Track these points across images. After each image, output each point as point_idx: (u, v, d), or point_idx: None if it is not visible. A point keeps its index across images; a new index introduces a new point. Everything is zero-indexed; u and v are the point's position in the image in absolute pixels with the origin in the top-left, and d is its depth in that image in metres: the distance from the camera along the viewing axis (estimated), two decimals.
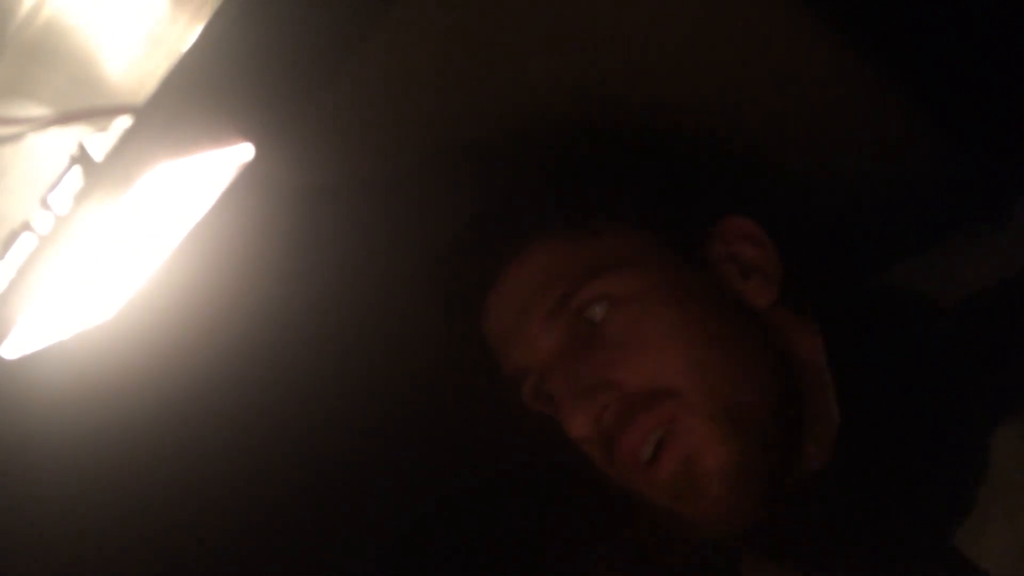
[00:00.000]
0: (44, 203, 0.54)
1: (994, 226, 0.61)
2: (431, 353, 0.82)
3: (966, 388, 0.56)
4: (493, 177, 0.65)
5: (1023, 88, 0.64)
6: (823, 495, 0.57)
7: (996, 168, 0.64)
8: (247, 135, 0.53)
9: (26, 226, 0.55)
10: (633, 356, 0.57)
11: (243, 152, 0.54)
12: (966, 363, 0.56)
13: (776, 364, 0.58)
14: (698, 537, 0.59)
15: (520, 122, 0.65)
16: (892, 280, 0.63)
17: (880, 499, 0.57)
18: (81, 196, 0.53)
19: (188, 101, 0.51)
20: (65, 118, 0.56)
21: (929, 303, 0.59)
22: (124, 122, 0.55)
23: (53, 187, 0.54)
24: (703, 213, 0.61)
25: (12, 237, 0.56)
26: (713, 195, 0.63)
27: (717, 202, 0.62)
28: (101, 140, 0.54)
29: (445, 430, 0.91)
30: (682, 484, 0.56)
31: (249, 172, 0.56)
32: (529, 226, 0.60)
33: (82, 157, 0.53)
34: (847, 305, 0.61)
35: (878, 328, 0.59)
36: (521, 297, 0.60)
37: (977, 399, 0.55)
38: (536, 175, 0.63)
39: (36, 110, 0.57)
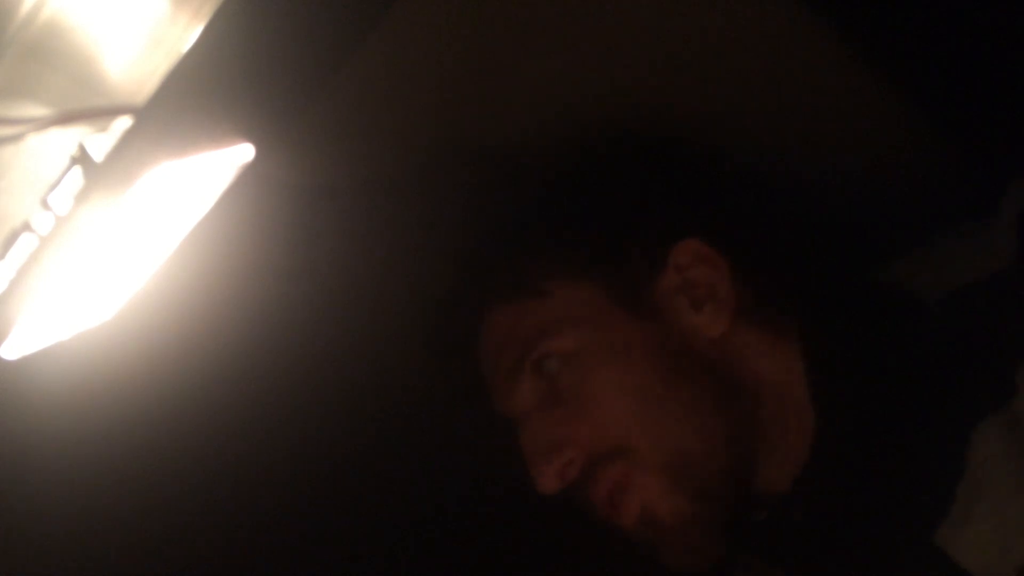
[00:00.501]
0: (44, 203, 0.54)
1: (980, 223, 0.61)
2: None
3: (946, 387, 0.56)
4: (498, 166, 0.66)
5: (1010, 85, 0.64)
6: (805, 496, 0.58)
7: (982, 165, 0.64)
8: (247, 135, 0.53)
9: (26, 226, 0.55)
10: (586, 413, 0.59)
11: (243, 152, 0.54)
12: (947, 362, 0.57)
13: (728, 397, 0.59)
14: (674, 571, 0.61)
15: (515, 123, 0.65)
16: (880, 278, 0.63)
17: (861, 498, 0.58)
18: (81, 196, 0.53)
19: (188, 101, 0.51)
20: (65, 118, 0.56)
21: (915, 302, 0.60)
22: (124, 122, 0.55)
23: (53, 187, 0.54)
24: (650, 249, 0.62)
25: (12, 237, 0.56)
26: (662, 226, 0.63)
27: (667, 231, 0.62)
28: (101, 140, 0.54)
29: (443, 431, 0.91)
30: (644, 530, 0.59)
31: (249, 172, 0.56)
32: (486, 296, 0.64)
33: (82, 157, 0.53)
34: (832, 306, 0.61)
35: (862, 328, 0.60)
36: (489, 359, 0.64)
37: (957, 398, 0.56)
38: (487, 248, 0.66)
39: (36, 110, 0.57)
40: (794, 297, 0.61)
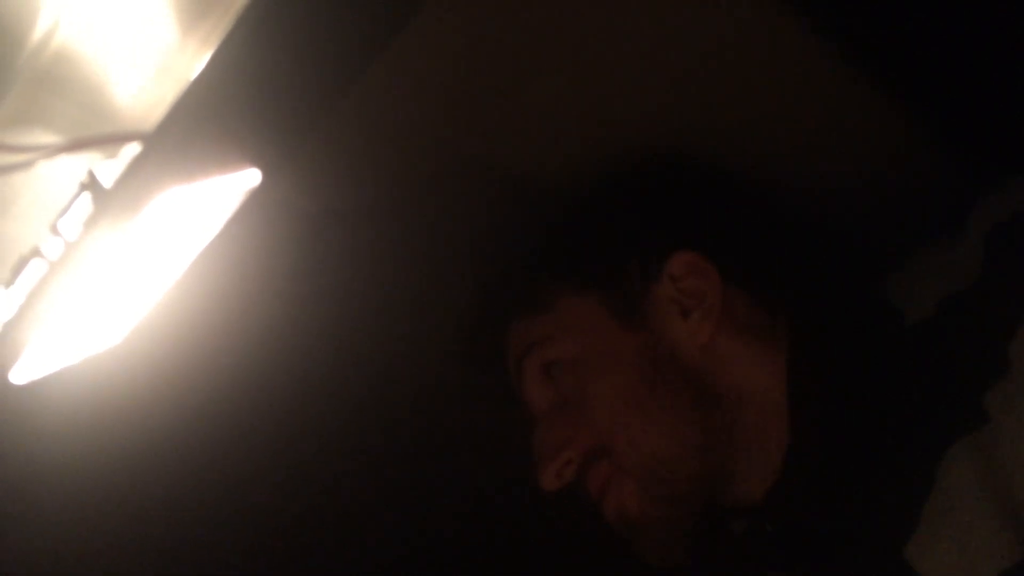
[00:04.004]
0: (54, 229, 0.55)
1: (953, 240, 0.61)
2: (438, 375, 0.82)
3: (920, 408, 0.58)
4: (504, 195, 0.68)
5: (992, 100, 0.65)
6: (776, 508, 0.60)
7: (958, 180, 0.65)
8: (254, 160, 0.54)
9: (36, 252, 0.55)
10: (582, 415, 0.63)
11: (250, 177, 0.55)
12: (922, 382, 0.58)
13: (708, 406, 0.61)
14: (651, 565, 0.64)
15: (525, 145, 0.65)
16: (865, 293, 0.64)
17: (832, 512, 0.59)
18: (90, 222, 0.53)
19: (196, 128, 0.52)
20: (75, 145, 0.57)
21: (895, 318, 0.61)
22: (133, 149, 0.55)
23: (63, 213, 0.54)
24: (647, 261, 0.64)
25: (22, 263, 0.56)
26: (659, 239, 0.65)
27: (664, 243, 0.64)
28: (110, 167, 0.54)
29: (449, 449, 0.91)
30: (623, 527, 0.63)
31: (256, 197, 0.56)
32: (505, 317, 0.68)
33: (91, 183, 0.53)
34: (818, 319, 0.62)
35: (845, 342, 0.61)
36: (512, 369, 0.68)
37: (930, 420, 0.57)
38: (502, 272, 0.70)
39: (47, 138, 0.58)
40: (782, 309, 0.63)
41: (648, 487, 0.61)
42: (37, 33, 0.56)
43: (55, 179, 0.58)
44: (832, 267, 0.67)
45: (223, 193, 0.56)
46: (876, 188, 0.70)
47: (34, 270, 0.56)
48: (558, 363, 0.64)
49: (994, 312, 0.57)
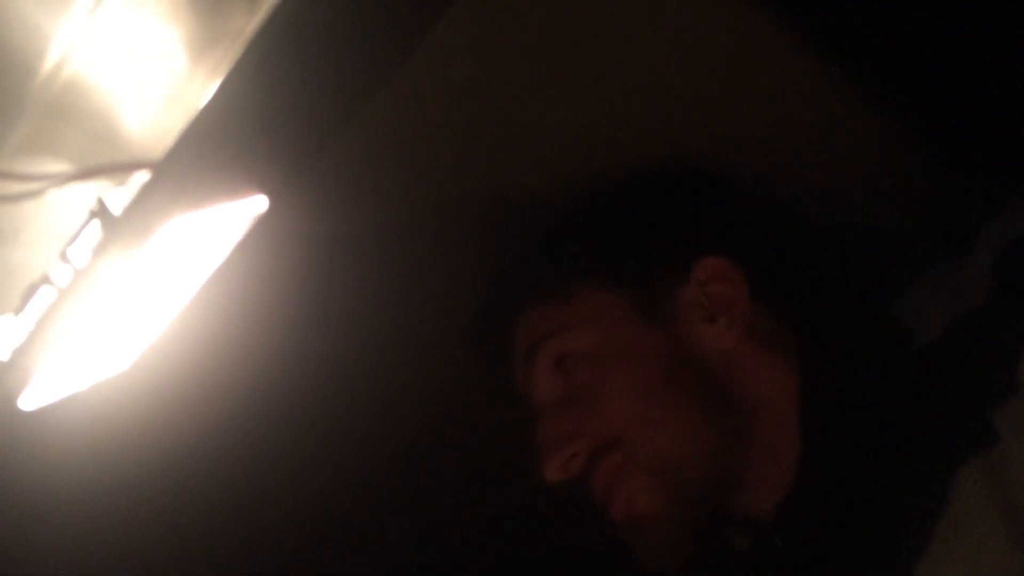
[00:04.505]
0: (63, 256, 0.55)
1: (962, 260, 0.62)
2: (446, 399, 0.82)
3: (931, 426, 0.57)
4: (509, 219, 0.68)
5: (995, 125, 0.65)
6: (785, 523, 0.60)
7: (967, 201, 0.65)
8: (261, 187, 0.54)
9: (45, 279, 0.56)
10: (595, 408, 0.62)
11: (257, 204, 0.55)
12: (932, 400, 0.58)
13: (724, 410, 0.61)
14: (649, 568, 0.63)
15: (531, 171, 0.66)
16: (878, 312, 0.64)
17: (841, 529, 0.59)
18: (99, 249, 0.54)
19: (204, 155, 0.53)
20: (85, 174, 0.57)
21: (905, 339, 0.61)
22: (142, 177, 0.56)
23: (72, 240, 0.55)
24: (675, 263, 0.64)
25: (32, 290, 0.56)
26: (690, 241, 0.65)
27: (692, 247, 0.65)
28: (120, 194, 0.55)
29: (459, 474, 0.91)
30: (629, 525, 0.62)
31: (263, 223, 0.57)
32: (518, 303, 0.67)
33: (101, 211, 0.54)
34: (832, 334, 0.63)
35: (857, 358, 0.61)
36: (518, 359, 0.67)
37: (940, 438, 0.57)
38: (515, 261, 0.69)
39: (57, 166, 0.59)
40: (799, 321, 0.63)
41: (660, 484, 0.60)
42: (48, 63, 0.56)
43: (65, 207, 0.59)
44: (843, 287, 0.68)
45: (231, 219, 0.56)
46: (885, 209, 0.70)
47: (43, 297, 0.56)
48: (573, 354, 0.63)
49: (1003, 332, 0.57)
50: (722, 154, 0.66)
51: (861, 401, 0.59)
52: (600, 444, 0.62)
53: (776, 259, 0.66)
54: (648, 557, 0.62)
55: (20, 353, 0.58)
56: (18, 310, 0.57)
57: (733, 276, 0.63)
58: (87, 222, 0.54)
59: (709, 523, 0.61)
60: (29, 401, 0.63)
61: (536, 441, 0.65)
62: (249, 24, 0.51)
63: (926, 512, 0.56)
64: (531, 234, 0.68)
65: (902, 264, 0.66)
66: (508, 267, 0.70)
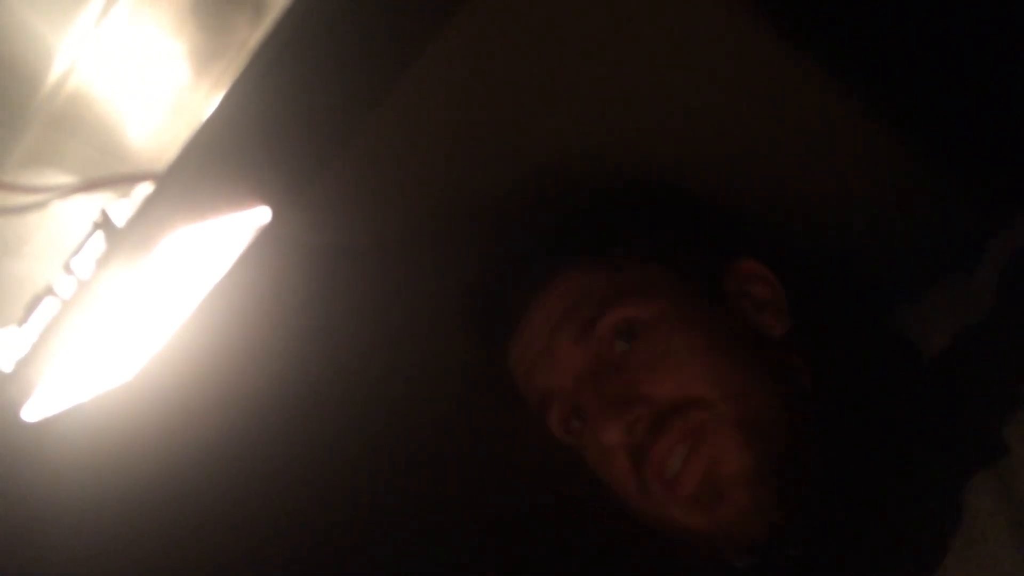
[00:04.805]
0: (67, 268, 0.55)
1: (968, 274, 0.62)
2: (449, 411, 0.82)
3: (940, 439, 0.57)
4: (515, 222, 0.67)
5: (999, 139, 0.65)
6: (798, 537, 0.59)
7: (972, 215, 0.66)
8: (264, 198, 0.54)
9: (49, 290, 0.56)
10: (661, 372, 0.60)
11: (260, 215, 0.55)
12: (940, 413, 0.58)
13: (788, 388, 0.61)
14: (715, 550, 0.61)
15: (534, 182, 0.66)
16: (884, 326, 0.64)
17: (856, 542, 0.58)
18: (103, 261, 0.54)
19: (207, 167, 0.53)
20: (89, 186, 0.58)
21: (913, 352, 0.61)
22: (146, 188, 0.56)
23: (76, 252, 0.55)
24: (717, 255, 0.65)
25: (35, 301, 0.56)
26: (727, 239, 0.66)
27: (730, 245, 0.66)
28: (123, 206, 0.55)
29: (461, 485, 0.91)
30: (706, 492, 0.58)
31: (266, 234, 0.57)
32: (556, 258, 0.65)
33: (104, 223, 0.54)
34: (838, 352, 0.63)
35: (867, 371, 0.62)
36: (550, 322, 0.63)
37: (950, 451, 0.57)
38: (563, 212, 0.67)
39: (61, 178, 0.59)
40: (812, 332, 0.63)
41: (749, 441, 0.58)
42: (53, 75, 0.57)
43: (69, 219, 0.59)
44: (848, 300, 0.68)
45: (234, 231, 0.56)
46: (890, 223, 0.70)
47: (47, 308, 0.56)
48: (638, 321, 0.61)
49: (1010, 344, 0.57)
50: (728, 165, 0.67)
51: (869, 412, 0.59)
52: (668, 408, 0.59)
53: (794, 268, 0.66)
54: (732, 527, 0.59)
55: (24, 364, 0.57)
56: (21, 321, 0.57)
57: (771, 280, 0.64)
58: (91, 234, 0.54)
59: (793, 488, 0.58)
60: (32, 412, 0.63)
61: (583, 409, 0.62)
62: (253, 37, 0.51)
63: (939, 525, 0.56)
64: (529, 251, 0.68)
65: (907, 276, 0.66)
66: (541, 227, 0.67)
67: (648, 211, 0.67)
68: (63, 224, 0.59)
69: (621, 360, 0.61)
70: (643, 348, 0.61)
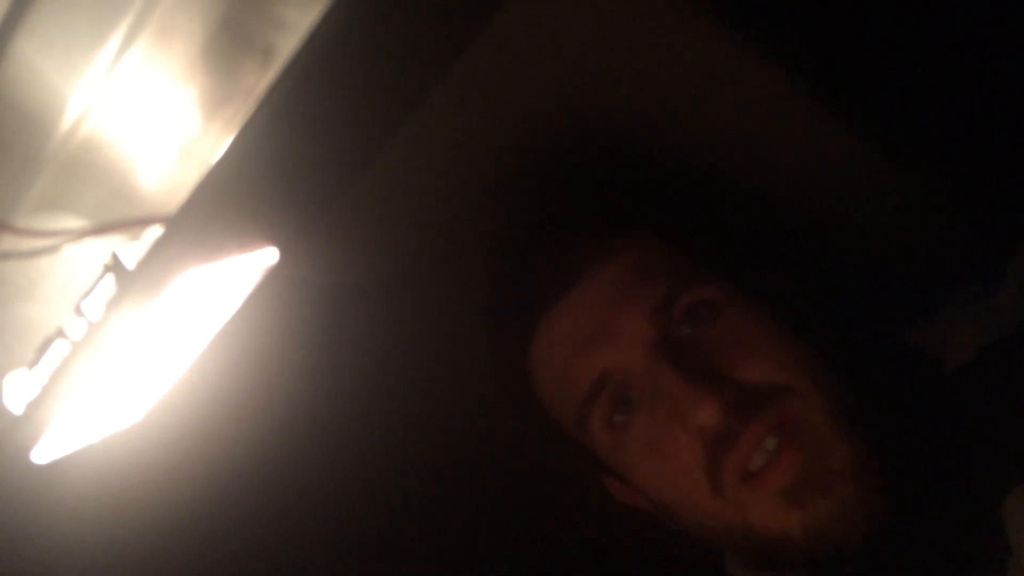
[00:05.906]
0: (78, 310, 0.56)
1: (987, 290, 0.61)
2: (460, 448, 0.82)
3: (971, 455, 0.56)
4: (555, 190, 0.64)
5: (1014, 160, 0.65)
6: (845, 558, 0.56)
7: (990, 234, 0.65)
8: (272, 239, 0.55)
9: (60, 333, 0.56)
10: (746, 355, 0.56)
11: (268, 256, 0.56)
12: (968, 430, 0.56)
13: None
14: (804, 554, 0.55)
15: (538, 218, 0.66)
16: (902, 343, 0.64)
17: (908, 557, 0.56)
18: (113, 303, 0.54)
19: (216, 209, 0.53)
20: (100, 229, 0.58)
21: (934, 368, 0.60)
22: (156, 231, 0.56)
23: (86, 295, 0.55)
24: (758, 257, 0.64)
25: (46, 344, 0.57)
26: (760, 247, 0.66)
27: (762, 255, 0.65)
28: (134, 249, 0.55)
29: (476, 523, 0.90)
30: (803, 487, 0.54)
31: (274, 275, 0.57)
32: (626, 219, 0.61)
33: (115, 266, 0.54)
34: (865, 365, 0.61)
35: (892, 390, 0.60)
36: (611, 297, 0.58)
37: (983, 467, 0.55)
38: (632, 175, 0.64)
39: (73, 222, 0.60)
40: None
41: (849, 428, 0.54)
42: (66, 122, 0.58)
43: (80, 262, 0.59)
44: (869, 315, 0.67)
45: (242, 272, 0.57)
46: (912, 238, 0.70)
47: (58, 351, 0.57)
48: (709, 303, 0.57)
49: None
50: (746, 176, 0.67)
51: (900, 422, 0.57)
52: (760, 392, 0.55)
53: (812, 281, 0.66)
54: (829, 525, 0.53)
55: (34, 407, 0.58)
56: (32, 364, 0.57)
57: (796, 288, 0.63)
58: (101, 276, 0.55)
59: (888, 486, 0.54)
60: (43, 454, 0.64)
61: (661, 387, 0.56)
62: (261, 83, 0.52)
63: (982, 540, 0.53)
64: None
65: (929, 293, 0.65)
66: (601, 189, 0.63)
67: (701, 197, 0.65)
68: (74, 267, 0.60)
69: (695, 340, 0.57)
70: (722, 331, 0.57)
